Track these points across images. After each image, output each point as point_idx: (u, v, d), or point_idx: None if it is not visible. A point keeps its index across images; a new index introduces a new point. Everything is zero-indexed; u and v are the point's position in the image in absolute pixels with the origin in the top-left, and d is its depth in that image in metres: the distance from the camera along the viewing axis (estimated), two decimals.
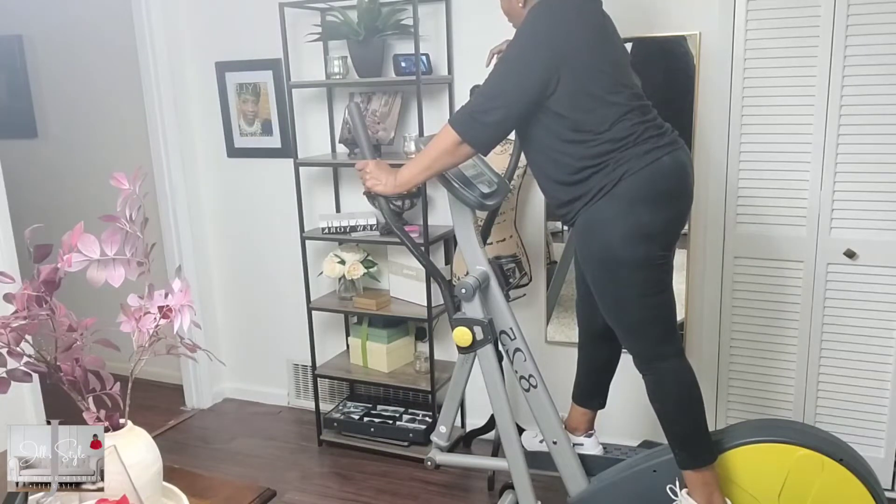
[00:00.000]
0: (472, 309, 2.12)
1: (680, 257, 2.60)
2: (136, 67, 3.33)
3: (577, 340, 2.40)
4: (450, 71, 2.90)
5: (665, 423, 2.02)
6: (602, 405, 2.38)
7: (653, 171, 1.89)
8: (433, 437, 2.41)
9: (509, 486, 2.35)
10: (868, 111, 2.37)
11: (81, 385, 1.25)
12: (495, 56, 2.35)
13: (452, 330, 2.14)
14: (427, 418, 3.09)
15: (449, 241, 3.02)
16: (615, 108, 1.89)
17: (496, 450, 2.80)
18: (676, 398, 2.00)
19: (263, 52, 3.20)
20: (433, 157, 1.98)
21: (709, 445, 2.01)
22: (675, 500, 2.05)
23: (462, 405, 3.18)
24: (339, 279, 3.11)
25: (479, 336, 2.12)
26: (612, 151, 1.88)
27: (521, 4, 2.00)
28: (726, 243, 2.63)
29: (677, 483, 2.05)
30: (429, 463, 2.37)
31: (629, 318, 1.98)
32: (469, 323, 2.11)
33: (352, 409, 3.24)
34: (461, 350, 2.16)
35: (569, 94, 1.87)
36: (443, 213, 3.00)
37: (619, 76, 1.94)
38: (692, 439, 2.01)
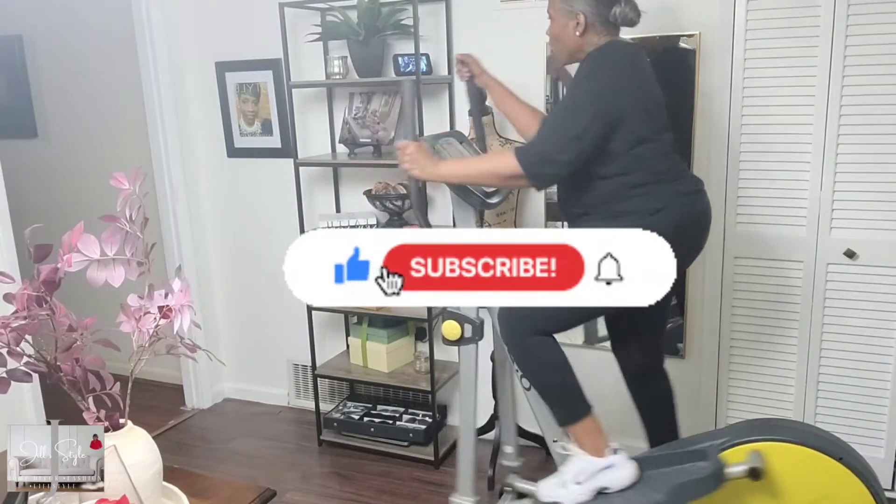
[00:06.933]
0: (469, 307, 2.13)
1: None
2: (136, 67, 3.33)
3: (578, 341, 2.41)
4: (450, 71, 2.90)
5: (541, 391, 2.07)
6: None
7: (686, 214, 1.98)
8: (503, 462, 2.41)
9: (509, 486, 2.35)
10: (868, 111, 2.37)
11: (81, 385, 1.25)
12: (462, 65, 2.37)
13: (443, 321, 2.15)
14: (427, 418, 3.09)
15: None
16: (659, 144, 1.99)
17: (496, 450, 2.80)
18: (546, 366, 2.04)
19: (263, 52, 3.20)
20: (481, 172, 2.00)
21: (582, 399, 2.04)
22: (568, 454, 2.09)
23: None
24: None
25: (468, 334, 2.14)
26: (651, 183, 1.96)
27: (578, 34, 2.01)
28: (726, 243, 2.63)
29: (566, 440, 2.11)
30: (508, 490, 2.35)
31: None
32: (461, 319, 2.13)
33: (352, 409, 3.24)
34: (446, 342, 2.18)
35: (621, 137, 1.92)
36: (443, 212, 3.00)
37: (662, 119, 2.03)
38: (566, 397, 2.05)
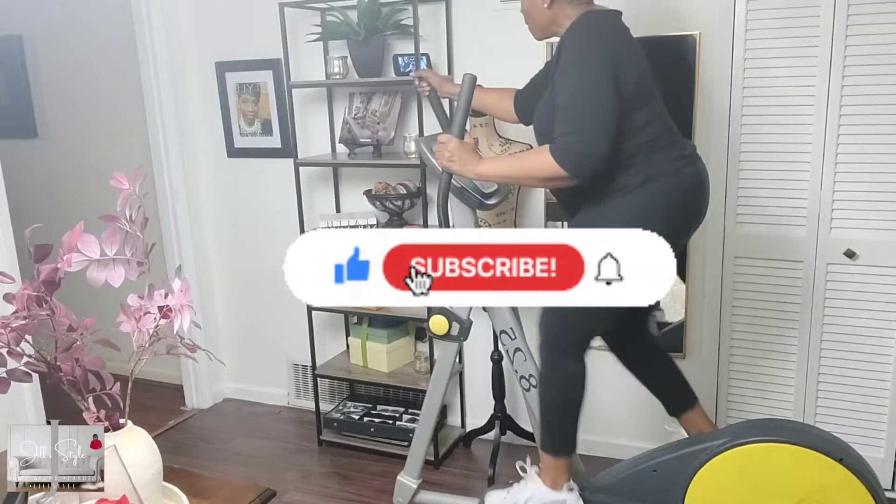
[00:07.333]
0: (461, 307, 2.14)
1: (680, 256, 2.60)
2: (136, 67, 3.33)
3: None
4: (450, 71, 2.90)
5: (542, 410, 2.07)
6: (693, 398, 2.31)
7: (678, 181, 1.93)
8: None
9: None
10: (868, 111, 2.37)
11: (81, 385, 1.25)
12: (420, 81, 2.39)
13: (430, 315, 2.15)
14: None
15: None
16: (649, 111, 1.93)
17: (496, 449, 2.80)
18: (561, 394, 2.04)
19: (263, 52, 3.20)
20: (522, 173, 1.97)
21: (573, 440, 2.05)
22: (523, 476, 2.10)
23: (462, 406, 3.18)
24: None
25: (454, 332, 2.15)
26: (639, 154, 1.91)
27: (545, 6, 1.98)
28: (726, 243, 2.63)
29: (528, 461, 2.12)
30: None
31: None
32: (451, 316, 2.13)
33: (352, 409, 3.24)
34: (431, 334, 2.19)
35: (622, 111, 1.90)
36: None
37: (651, 86, 1.97)
38: (561, 430, 2.05)
